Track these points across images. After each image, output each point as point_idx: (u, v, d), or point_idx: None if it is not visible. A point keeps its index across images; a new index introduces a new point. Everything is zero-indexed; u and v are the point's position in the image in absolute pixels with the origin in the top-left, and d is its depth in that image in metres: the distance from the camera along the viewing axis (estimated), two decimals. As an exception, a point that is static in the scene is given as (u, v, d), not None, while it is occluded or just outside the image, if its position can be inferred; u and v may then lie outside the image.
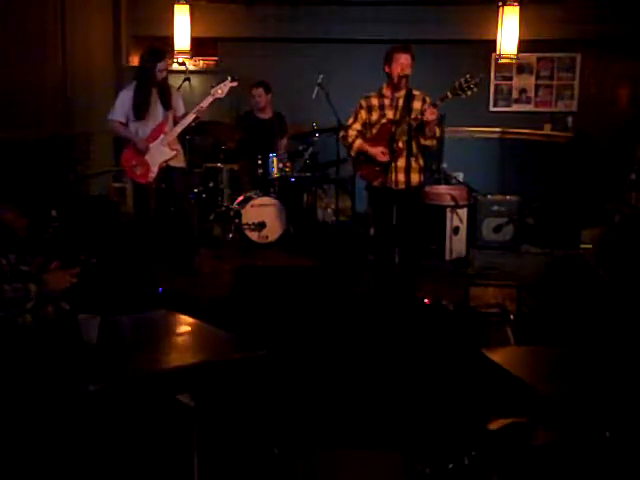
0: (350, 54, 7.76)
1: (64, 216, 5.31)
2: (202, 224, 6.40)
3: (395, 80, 4.66)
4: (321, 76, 6.31)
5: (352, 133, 4.79)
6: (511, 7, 6.90)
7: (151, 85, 5.34)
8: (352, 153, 4.86)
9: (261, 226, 6.37)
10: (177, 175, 5.54)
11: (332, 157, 6.53)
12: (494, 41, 7.04)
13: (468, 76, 4.45)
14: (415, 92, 4.70)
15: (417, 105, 4.66)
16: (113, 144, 7.25)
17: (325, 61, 7.29)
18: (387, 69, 4.72)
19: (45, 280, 2.83)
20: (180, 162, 5.56)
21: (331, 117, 6.25)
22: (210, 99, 5.40)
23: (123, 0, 7.57)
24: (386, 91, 4.75)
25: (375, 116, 4.76)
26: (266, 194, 6.50)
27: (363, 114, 4.79)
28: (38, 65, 5.93)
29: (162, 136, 5.39)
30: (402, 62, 4.65)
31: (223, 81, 5.47)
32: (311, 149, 6.74)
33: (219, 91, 5.43)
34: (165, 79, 5.41)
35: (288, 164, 6.66)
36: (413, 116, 4.60)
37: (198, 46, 7.48)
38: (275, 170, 6.59)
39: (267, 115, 6.92)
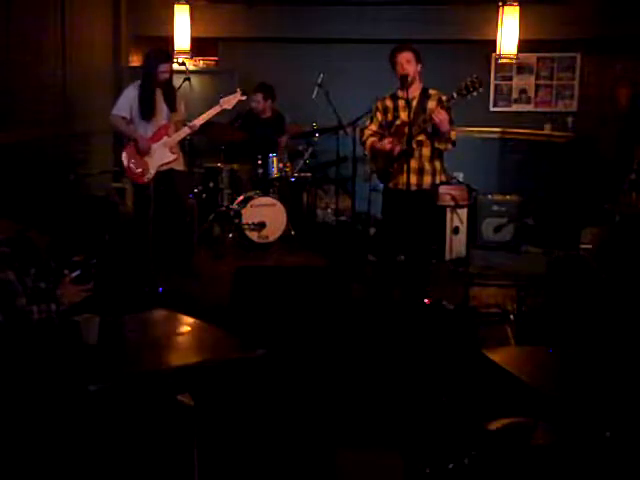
0: (350, 54, 7.76)
1: (64, 216, 5.29)
2: (202, 224, 6.40)
3: (400, 81, 4.66)
4: (321, 76, 6.30)
5: (367, 132, 4.86)
6: (511, 7, 6.90)
7: (153, 86, 5.33)
8: (366, 152, 4.99)
9: (261, 226, 6.37)
10: (178, 177, 5.54)
11: (332, 157, 6.53)
12: (494, 41, 7.03)
13: (475, 76, 4.42)
14: (431, 91, 4.69)
15: (432, 105, 4.62)
16: (113, 144, 7.24)
17: (325, 61, 7.29)
18: (395, 72, 4.74)
19: (59, 296, 2.84)
20: (180, 165, 5.56)
21: (331, 117, 6.24)
22: (217, 109, 5.43)
23: (123, 0, 7.57)
24: (399, 93, 4.74)
25: (390, 117, 4.78)
26: (266, 194, 6.50)
27: (379, 116, 4.82)
28: (38, 65, 5.92)
29: (165, 138, 5.38)
30: (399, 61, 4.66)
31: (232, 93, 5.47)
32: (311, 149, 6.74)
33: (227, 103, 5.43)
34: (170, 81, 5.40)
35: (288, 164, 6.67)
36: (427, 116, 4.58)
37: (198, 46, 7.48)
38: (275, 170, 6.59)
39: (266, 115, 6.92)
